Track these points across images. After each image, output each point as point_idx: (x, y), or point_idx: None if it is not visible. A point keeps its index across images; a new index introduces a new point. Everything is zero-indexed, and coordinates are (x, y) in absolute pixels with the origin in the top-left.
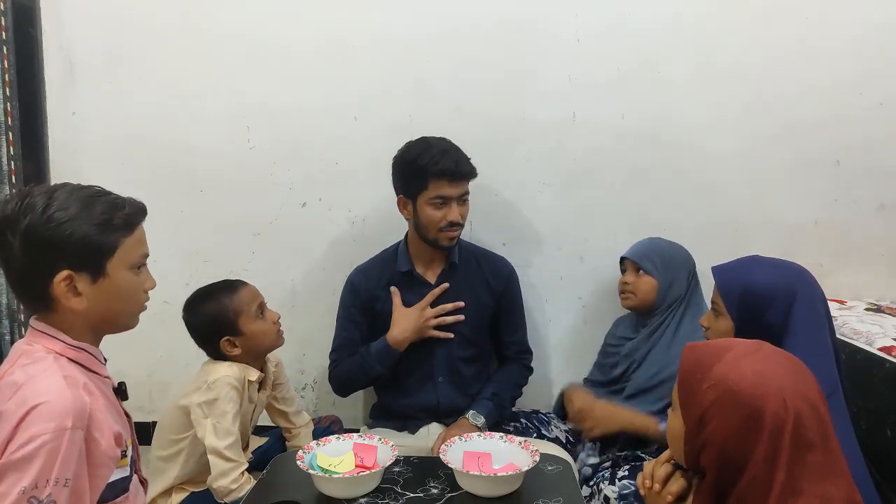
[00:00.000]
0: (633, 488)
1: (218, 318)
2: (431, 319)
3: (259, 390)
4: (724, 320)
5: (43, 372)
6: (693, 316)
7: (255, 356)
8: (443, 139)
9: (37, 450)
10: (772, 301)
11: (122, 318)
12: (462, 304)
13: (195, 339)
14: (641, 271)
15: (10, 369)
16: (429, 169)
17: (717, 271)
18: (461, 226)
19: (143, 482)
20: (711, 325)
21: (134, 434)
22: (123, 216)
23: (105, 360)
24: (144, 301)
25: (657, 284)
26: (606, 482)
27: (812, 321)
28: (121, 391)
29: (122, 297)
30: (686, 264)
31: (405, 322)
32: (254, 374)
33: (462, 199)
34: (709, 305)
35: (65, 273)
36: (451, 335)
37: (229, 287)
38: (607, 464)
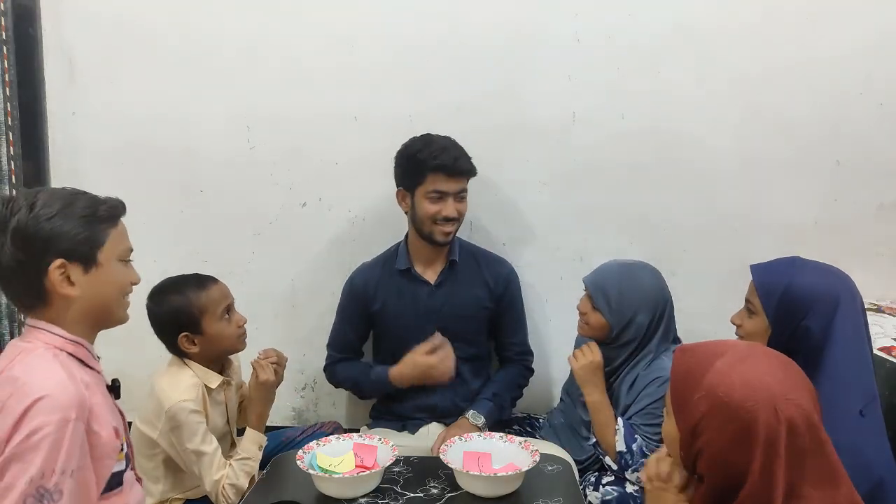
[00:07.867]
0: (616, 494)
1: (181, 313)
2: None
3: (226, 389)
4: (758, 320)
5: (44, 366)
6: (654, 364)
7: (213, 358)
8: (446, 137)
9: (41, 440)
10: (813, 306)
11: (114, 308)
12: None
13: (154, 329)
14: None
15: (7, 365)
16: (427, 163)
17: (757, 270)
18: (457, 221)
19: (140, 480)
20: (744, 322)
21: (127, 431)
22: (106, 209)
23: (98, 357)
24: (129, 294)
25: (607, 325)
26: (591, 488)
27: (853, 331)
28: (114, 388)
29: (113, 287)
30: (651, 301)
31: (413, 370)
32: (214, 381)
33: (459, 196)
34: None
35: (59, 262)
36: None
37: (199, 282)
38: (595, 466)
